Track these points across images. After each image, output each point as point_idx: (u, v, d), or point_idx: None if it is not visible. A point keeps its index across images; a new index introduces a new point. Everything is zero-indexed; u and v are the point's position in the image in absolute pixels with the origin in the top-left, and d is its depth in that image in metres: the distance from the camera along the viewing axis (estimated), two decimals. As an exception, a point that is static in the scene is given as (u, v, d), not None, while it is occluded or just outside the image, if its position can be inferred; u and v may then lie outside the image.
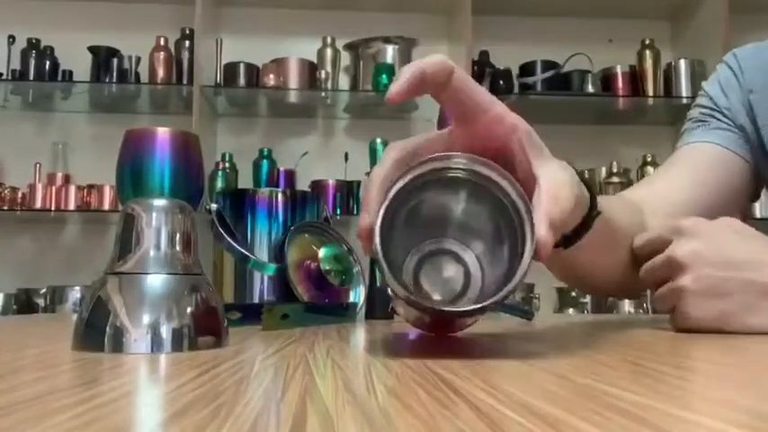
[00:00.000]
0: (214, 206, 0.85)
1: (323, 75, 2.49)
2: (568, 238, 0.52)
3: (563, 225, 0.43)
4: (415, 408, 0.21)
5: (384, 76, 2.44)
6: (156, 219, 0.43)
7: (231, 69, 2.49)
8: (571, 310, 2.48)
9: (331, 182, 2.47)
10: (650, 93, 2.58)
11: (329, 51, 2.56)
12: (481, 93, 0.43)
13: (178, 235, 0.43)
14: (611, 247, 0.64)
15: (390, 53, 2.52)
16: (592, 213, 0.53)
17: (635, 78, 2.59)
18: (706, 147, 0.85)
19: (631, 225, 0.68)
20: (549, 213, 0.40)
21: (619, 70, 2.58)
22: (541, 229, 0.39)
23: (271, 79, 2.45)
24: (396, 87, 0.41)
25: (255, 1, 2.64)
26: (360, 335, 0.55)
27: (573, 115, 2.58)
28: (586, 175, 2.60)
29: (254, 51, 2.54)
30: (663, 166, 0.89)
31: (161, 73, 2.47)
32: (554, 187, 0.42)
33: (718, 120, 0.86)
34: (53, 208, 2.42)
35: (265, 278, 0.81)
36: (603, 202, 0.55)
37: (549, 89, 2.51)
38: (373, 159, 0.87)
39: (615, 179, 2.55)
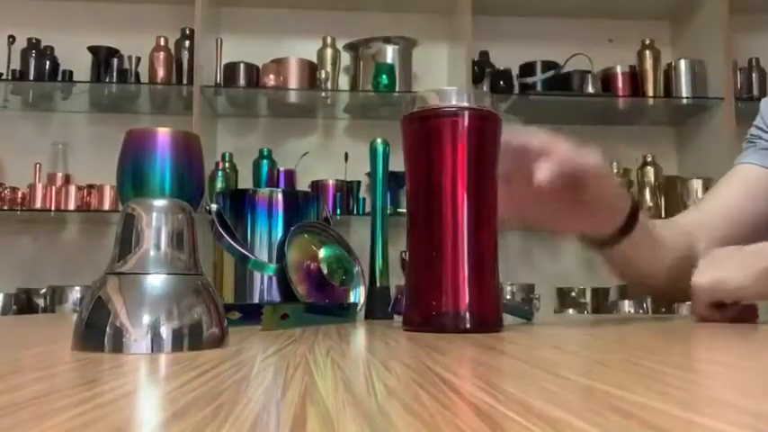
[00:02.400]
0: (214, 206, 0.85)
1: (323, 75, 2.49)
2: (621, 232, 0.71)
3: (572, 167, 0.61)
4: (415, 408, 0.21)
5: (384, 76, 2.44)
6: (157, 219, 0.43)
7: (231, 69, 2.48)
8: (571, 310, 2.48)
9: (331, 182, 2.46)
10: (650, 93, 2.58)
11: (329, 51, 2.55)
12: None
13: (178, 235, 0.43)
14: (654, 251, 0.78)
15: (390, 53, 2.52)
16: (634, 212, 0.71)
17: (635, 78, 2.59)
18: (751, 168, 0.93)
19: (673, 239, 0.83)
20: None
21: (619, 70, 2.58)
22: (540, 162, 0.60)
23: (271, 79, 2.45)
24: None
25: (255, 1, 2.64)
26: (360, 335, 0.55)
27: (573, 115, 2.57)
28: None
29: (254, 51, 2.54)
30: (715, 186, 1.00)
31: (161, 73, 2.47)
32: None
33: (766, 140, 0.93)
34: (53, 208, 2.42)
35: (265, 278, 0.81)
36: (646, 219, 0.74)
37: (549, 89, 2.51)
38: (373, 159, 0.87)
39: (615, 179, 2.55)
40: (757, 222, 0.89)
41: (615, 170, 2.57)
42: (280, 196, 0.85)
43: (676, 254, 0.82)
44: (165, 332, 0.39)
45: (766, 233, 0.88)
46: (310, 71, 2.51)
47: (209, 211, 0.85)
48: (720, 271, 0.71)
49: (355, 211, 2.48)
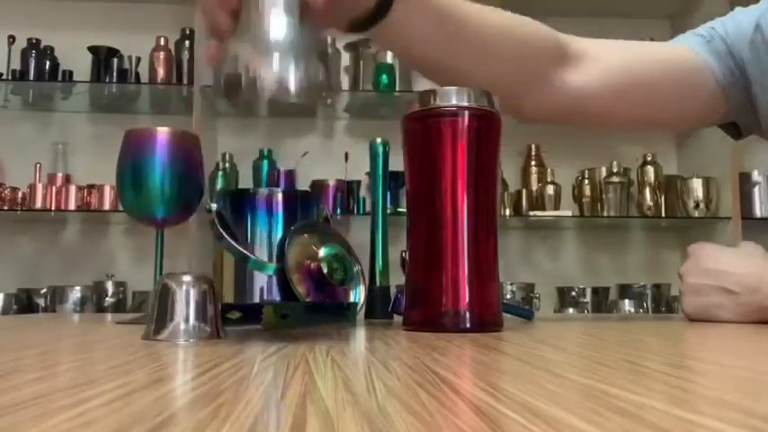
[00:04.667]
0: (214, 206, 0.85)
1: (323, 75, 2.49)
2: (374, 11, 0.60)
3: None
4: (414, 408, 0.21)
5: (384, 76, 2.44)
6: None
7: (231, 69, 2.48)
8: (571, 310, 2.48)
9: (331, 182, 2.46)
10: (650, 93, 2.58)
11: (329, 51, 2.55)
12: None
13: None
14: (458, 47, 0.67)
15: (390, 53, 2.51)
16: None
17: (635, 78, 2.59)
18: (682, 47, 0.85)
19: (513, 28, 0.71)
20: None
21: (619, 70, 2.58)
22: None
23: (271, 79, 2.45)
24: None
25: (255, 1, 2.63)
26: (360, 335, 0.55)
27: (573, 115, 2.57)
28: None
29: (254, 51, 2.54)
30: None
31: (161, 73, 2.47)
32: None
33: (717, 42, 0.86)
34: (53, 208, 2.42)
35: (265, 278, 0.81)
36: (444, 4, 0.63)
37: (549, 89, 2.50)
38: (373, 159, 0.87)
39: (615, 179, 2.55)
40: (657, 92, 0.81)
41: (615, 169, 2.57)
42: (280, 196, 0.85)
43: (514, 57, 0.71)
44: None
45: (651, 100, 0.81)
46: (310, 71, 2.51)
47: (210, 211, 0.84)
48: (710, 302, 0.71)
49: (355, 211, 2.48)
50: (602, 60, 0.80)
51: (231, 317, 0.60)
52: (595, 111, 0.82)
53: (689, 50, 0.84)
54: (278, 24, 0.52)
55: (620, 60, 0.81)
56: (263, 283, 0.81)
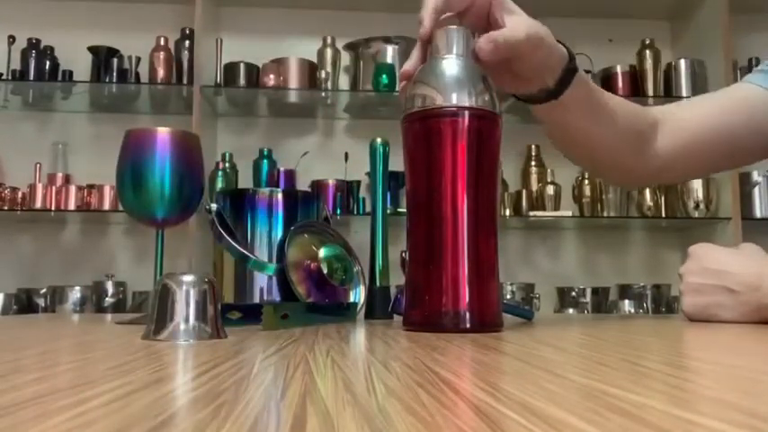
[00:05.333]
0: (214, 206, 0.85)
1: (323, 75, 2.49)
2: (551, 92, 0.71)
3: (508, 46, 0.62)
4: (414, 408, 0.21)
5: (384, 76, 2.44)
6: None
7: (231, 69, 2.48)
8: (571, 310, 2.48)
9: (331, 182, 2.46)
10: (650, 93, 2.58)
11: (329, 51, 2.56)
12: None
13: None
14: (599, 118, 0.78)
15: (390, 53, 2.52)
16: (570, 66, 0.70)
17: (635, 78, 2.59)
18: (750, 87, 0.88)
19: (627, 115, 0.82)
20: (492, 34, 0.62)
21: (619, 70, 2.58)
22: (481, 41, 0.62)
23: (271, 79, 2.45)
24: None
25: (255, 1, 2.64)
26: (360, 335, 0.55)
27: (573, 115, 2.57)
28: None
29: (254, 51, 2.54)
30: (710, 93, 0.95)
31: (161, 73, 2.47)
32: (509, 21, 0.63)
33: None
34: (53, 208, 2.42)
35: (265, 278, 0.81)
36: (591, 87, 0.75)
37: (549, 89, 2.50)
38: (373, 159, 0.87)
39: (615, 179, 2.55)
40: (732, 138, 0.86)
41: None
42: (280, 196, 0.85)
43: (626, 131, 0.81)
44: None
45: (737, 151, 0.88)
46: (310, 71, 2.51)
47: (210, 211, 0.85)
48: (710, 301, 0.72)
49: (355, 211, 2.48)
50: (688, 124, 0.87)
51: (231, 317, 0.60)
52: (683, 169, 0.91)
53: (758, 88, 0.88)
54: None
55: (701, 119, 0.87)
56: (263, 284, 0.81)
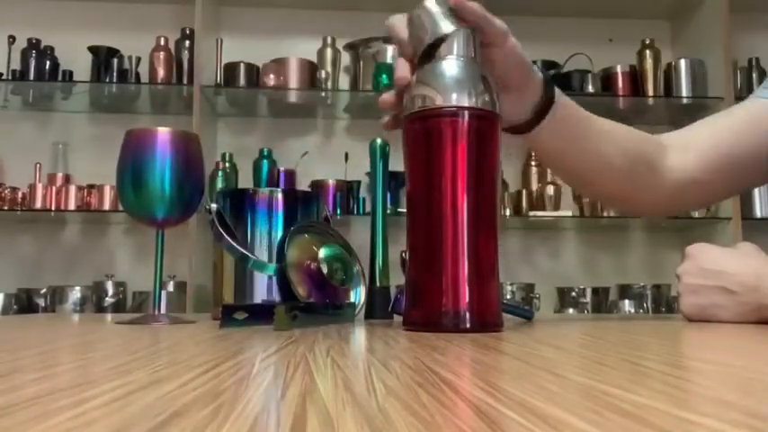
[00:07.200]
0: (214, 206, 0.85)
1: (323, 75, 2.49)
2: (530, 122, 0.72)
3: (484, 15, 0.61)
4: (414, 408, 0.21)
5: (384, 76, 2.44)
6: None
7: (231, 69, 2.49)
8: (571, 310, 2.48)
9: (331, 182, 2.47)
10: (650, 93, 2.58)
11: (329, 51, 2.56)
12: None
13: None
14: (588, 145, 0.77)
15: (390, 53, 2.51)
16: (548, 95, 0.71)
17: (635, 78, 2.59)
18: (761, 103, 0.87)
19: (626, 139, 0.82)
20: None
21: (619, 70, 2.58)
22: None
23: (271, 79, 2.45)
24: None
25: (255, 1, 2.64)
26: (360, 335, 0.55)
27: (573, 115, 2.57)
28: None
29: (254, 51, 2.54)
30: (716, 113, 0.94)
31: (161, 73, 2.47)
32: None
33: None
34: (53, 208, 2.42)
35: (265, 278, 0.81)
36: (577, 110, 0.76)
37: (549, 89, 2.50)
38: (373, 159, 0.87)
39: (615, 179, 2.55)
40: (745, 157, 0.85)
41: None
42: (280, 196, 0.85)
43: (626, 155, 0.80)
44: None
45: (752, 171, 0.86)
46: (310, 71, 2.52)
47: (210, 211, 0.85)
48: (709, 302, 0.72)
49: (355, 211, 2.48)
50: (696, 144, 0.85)
51: (238, 317, 0.60)
52: (698, 194, 0.89)
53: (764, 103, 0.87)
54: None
55: (710, 142, 0.86)
56: (263, 284, 0.81)
